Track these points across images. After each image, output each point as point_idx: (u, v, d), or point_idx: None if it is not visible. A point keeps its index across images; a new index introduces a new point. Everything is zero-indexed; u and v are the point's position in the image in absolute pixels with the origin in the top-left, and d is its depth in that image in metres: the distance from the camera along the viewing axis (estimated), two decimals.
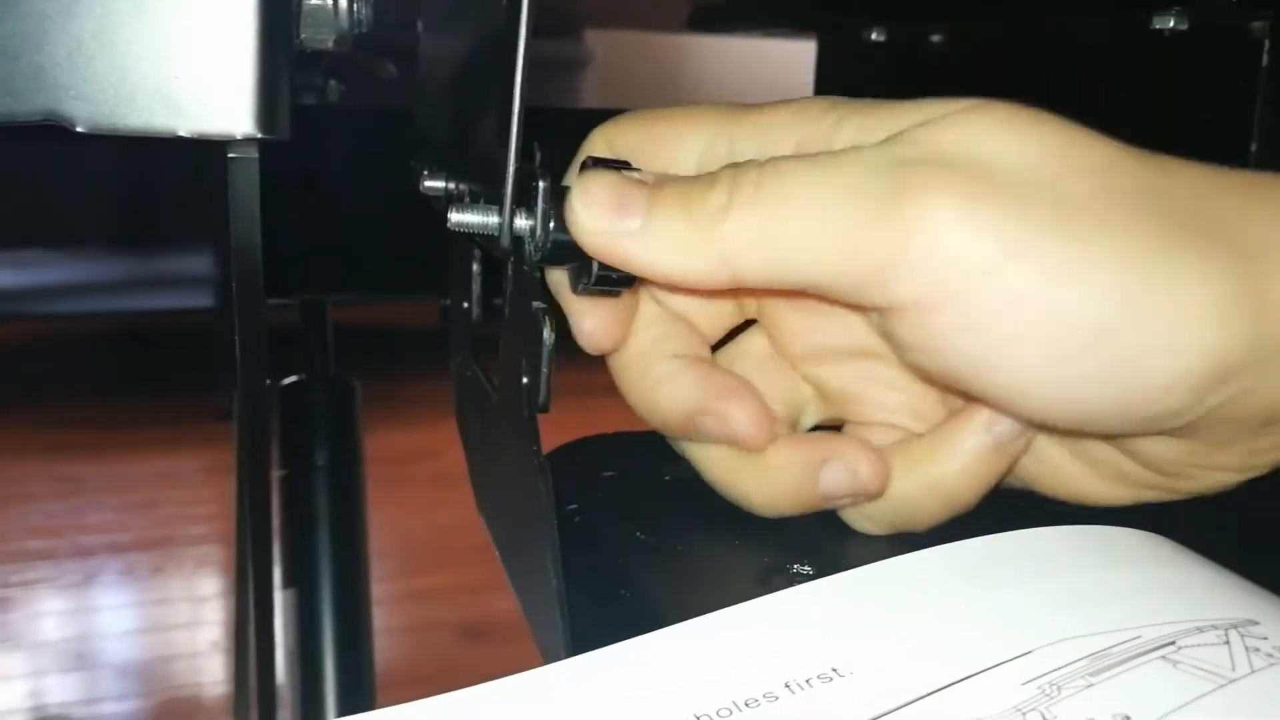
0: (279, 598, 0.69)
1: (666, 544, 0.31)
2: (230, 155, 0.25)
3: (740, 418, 0.29)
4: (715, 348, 0.33)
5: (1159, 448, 0.28)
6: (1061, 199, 0.25)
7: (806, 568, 0.30)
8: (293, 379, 0.74)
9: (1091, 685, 0.21)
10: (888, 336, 0.28)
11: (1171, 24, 0.43)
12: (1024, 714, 0.20)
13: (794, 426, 0.32)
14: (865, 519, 0.31)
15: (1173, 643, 0.22)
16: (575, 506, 0.33)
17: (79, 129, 0.23)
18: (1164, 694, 0.20)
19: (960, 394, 0.29)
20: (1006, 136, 0.25)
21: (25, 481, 1.70)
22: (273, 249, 0.64)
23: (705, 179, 0.27)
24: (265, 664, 0.37)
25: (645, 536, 0.32)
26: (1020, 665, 0.22)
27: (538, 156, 0.32)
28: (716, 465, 0.31)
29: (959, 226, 0.24)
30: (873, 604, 0.24)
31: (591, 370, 0.33)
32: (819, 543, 0.31)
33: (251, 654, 0.39)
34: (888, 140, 0.26)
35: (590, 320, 0.30)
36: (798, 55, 0.66)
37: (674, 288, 0.31)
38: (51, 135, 0.23)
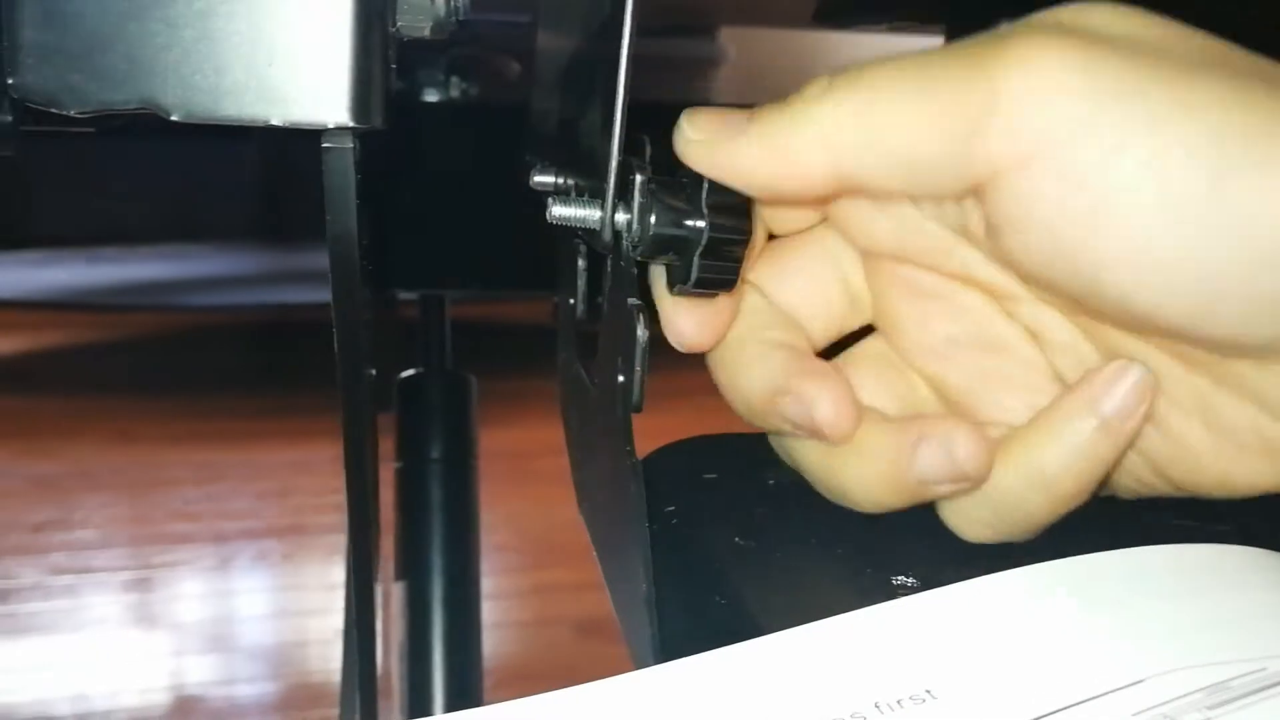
0: (394, 590, 0.70)
1: (765, 550, 0.30)
2: (324, 145, 0.25)
3: (821, 399, 0.28)
4: (832, 354, 0.32)
5: None
6: (1166, 54, 0.23)
7: (911, 580, 0.28)
8: (410, 372, 0.75)
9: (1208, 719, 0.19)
10: (986, 223, 0.26)
11: None
12: None
13: None
14: (965, 520, 0.29)
15: None
16: (673, 509, 0.33)
17: (174, 118, 0.23)
18: None
19: (1069, 304, 0.28)
20: (1111, 11, 0.25)
21: (168, 467, 1.76)
22: (391, 243, 0.65)
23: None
24: (366, 656, 0.37)
25: (744, 542, 0.31)
26: (1131, 694, 0.20)
27: (648, 151, 0.31)
28: (811, 456, 0.30)
29: (1053, 70, 0.23)
30: (974, 622, 0.23)
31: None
32: (927, 555, 0.30)
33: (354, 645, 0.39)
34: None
35: (686, 320, 0.29)
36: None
37: (776, 201, 0.30)
38: (196, 133, 0.24)
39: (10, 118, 0.23)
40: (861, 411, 0.28)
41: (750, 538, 0.31)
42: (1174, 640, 0.21)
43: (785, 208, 0.31)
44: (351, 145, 0.24)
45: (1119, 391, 0.27)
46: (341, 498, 0.32)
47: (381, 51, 0.24)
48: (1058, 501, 0.27)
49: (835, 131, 0.26)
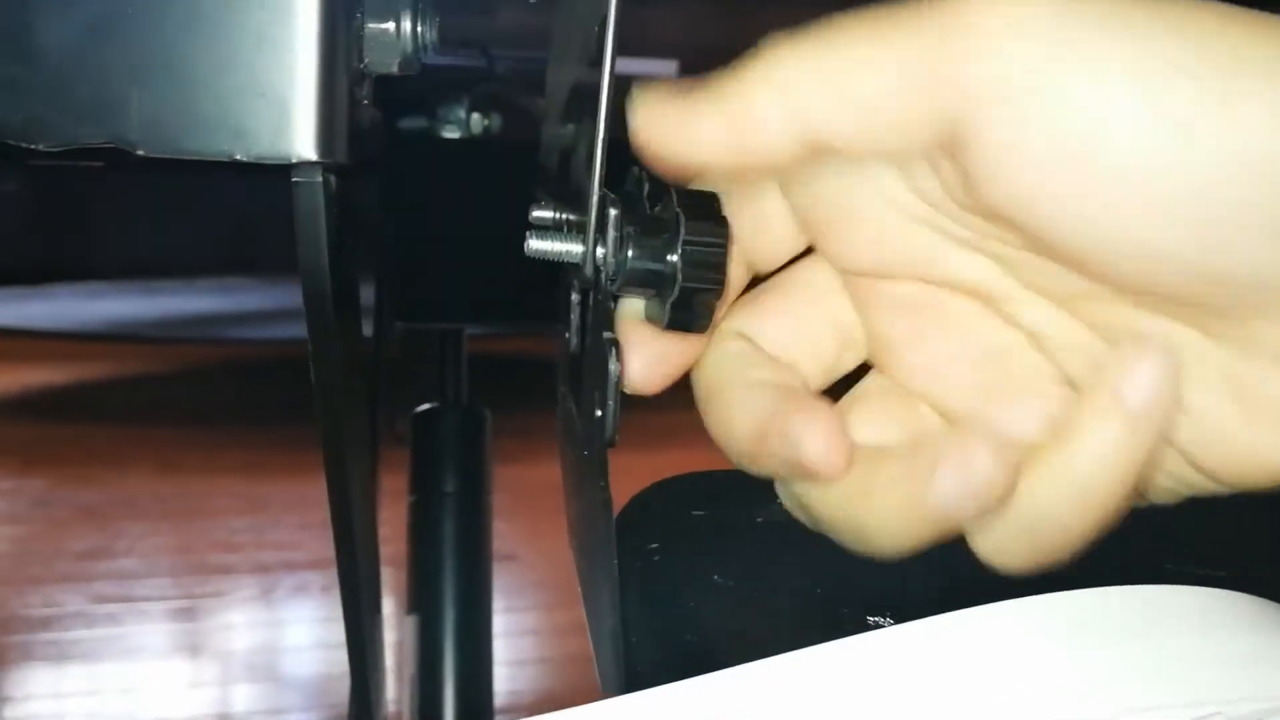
0: (406, 623, 0.70)
1: (743, 588, 0.30)
2: (294, 180, 0.25)
3: (807, 435, 0.26)
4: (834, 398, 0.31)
5: None
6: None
7: (888, 621, 0.28)
8: (426, 406, 0.76)
9: None
10: (968, 179, 0.24)
11: None
12: None
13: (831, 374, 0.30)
14: (999, 549, 0.26)
15: None
16: (656, 545, 0.33)
17: (140, 152, 0.23)
18: None
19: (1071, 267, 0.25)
20: None
21: (211, 498, 1.78)
22: (410, 277, 0.65)
23: None
24: (360, 688, 0.37)
25: (722, 580, 0.30)
26: None
27: (646, 187, 0.31)
28: (829, 503, 0.27)
29: (1006, 30, 0.22)
30: (926, 660, 0.22)
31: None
32: (910, 595, 0.30)
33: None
34: None
35: (637, 358, 0.29)
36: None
37: (741, 176, 0.29)
38: (250, 170, 0.24)
39: None
40: (854, 447, 0.26)
41: (730, 576, 0.30)
42: (1131, 683, 0.21)
43: (765, 234, 0.30)
44: (320, 180, 0.25)
45: (1141, 377, 0.24)
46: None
47: (348, 87, 0.24)
48: (1093, 511, 0.25)
49: (796, 85, 0.25)
